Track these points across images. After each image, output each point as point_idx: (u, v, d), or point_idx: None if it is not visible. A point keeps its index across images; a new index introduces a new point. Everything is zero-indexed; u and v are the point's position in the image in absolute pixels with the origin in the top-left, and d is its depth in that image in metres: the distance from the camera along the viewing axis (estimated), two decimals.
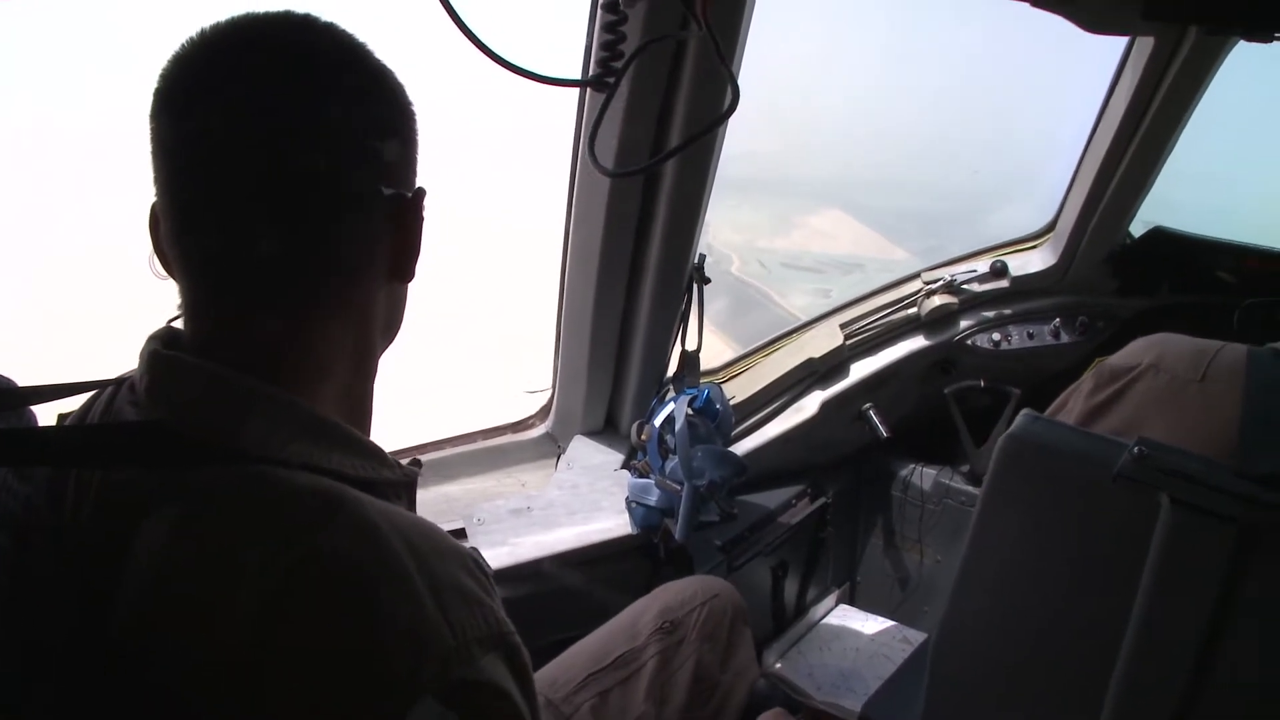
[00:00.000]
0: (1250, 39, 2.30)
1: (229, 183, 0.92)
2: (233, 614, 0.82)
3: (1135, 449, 1.50)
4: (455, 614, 0.86)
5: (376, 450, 1.04)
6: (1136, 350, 1.74)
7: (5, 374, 1.05)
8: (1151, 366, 1.67)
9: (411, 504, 1.15)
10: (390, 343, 1.14)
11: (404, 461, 1.11)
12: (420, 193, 1.06)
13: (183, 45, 0.94)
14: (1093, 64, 2.91)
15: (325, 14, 0.99)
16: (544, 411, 2.81)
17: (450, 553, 0.93)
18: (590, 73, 1.83)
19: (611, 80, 1.76)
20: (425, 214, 1.09)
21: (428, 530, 0.94)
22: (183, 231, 0.96)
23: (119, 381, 1.03)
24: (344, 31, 0.99)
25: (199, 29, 0.94)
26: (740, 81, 1.77)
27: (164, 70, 0.94)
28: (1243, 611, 1.47)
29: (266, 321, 0.97)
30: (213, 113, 0.91)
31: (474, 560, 0.96)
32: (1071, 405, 1.80)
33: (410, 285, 1.13)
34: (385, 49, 1.03)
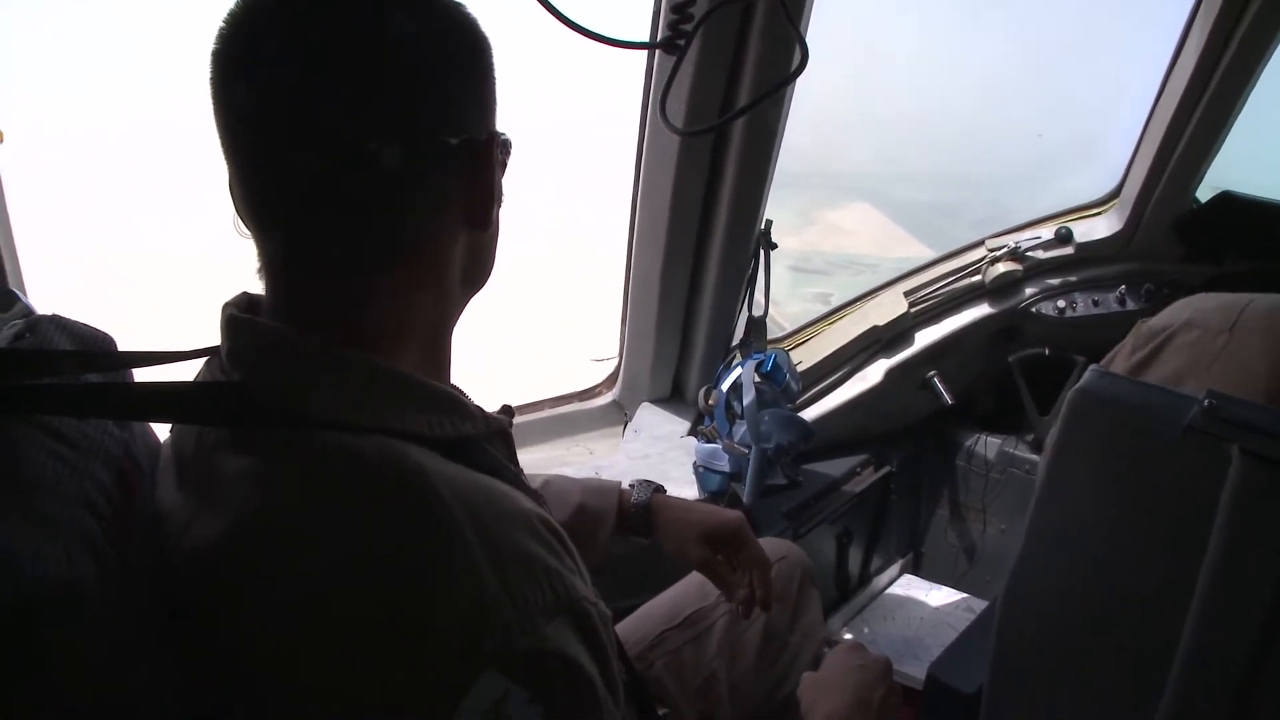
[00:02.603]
0: None
1: (287, 144, 0.91)
2: (286, 585, 0.84)
3: (1205, 401, 1.49)
4: (517, 583, 0.84)
5: (455, 401, 1.02)
6: (1173, 310, 1.73)
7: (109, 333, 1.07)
8: (1185, 323, 1.66)
9: (510, 453, 1.15)
10: (476, 292, 1.12)
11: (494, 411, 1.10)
12: (493, 136, 1.01)
13: (235, 6, 0.91)
14: (1158, 25, 2.88)
15: None
16: (610, 379, 2.84)
17: (516, 517, 0.91)
18: (660, 35, 1.84)
19: (682, 43, 1.77)
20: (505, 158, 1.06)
21: (493, 494, 0.92)
22: (248, 196, 0.96)
23: (217, 350, 1.03)
24: None
25: None
26: None
27: (219, 32, 0.91)
28: None
29: (339, 282, 0.97)
30: (266, 74, 0.89)
31: (543, 521, 0.94)
32: (1115, 368, 1.80)
33: (496, 232, 1.10)
34: None
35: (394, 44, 0.91)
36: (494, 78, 1.02)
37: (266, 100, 0.89)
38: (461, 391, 1.08)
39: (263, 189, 0.95)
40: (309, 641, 0.82)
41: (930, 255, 3.26)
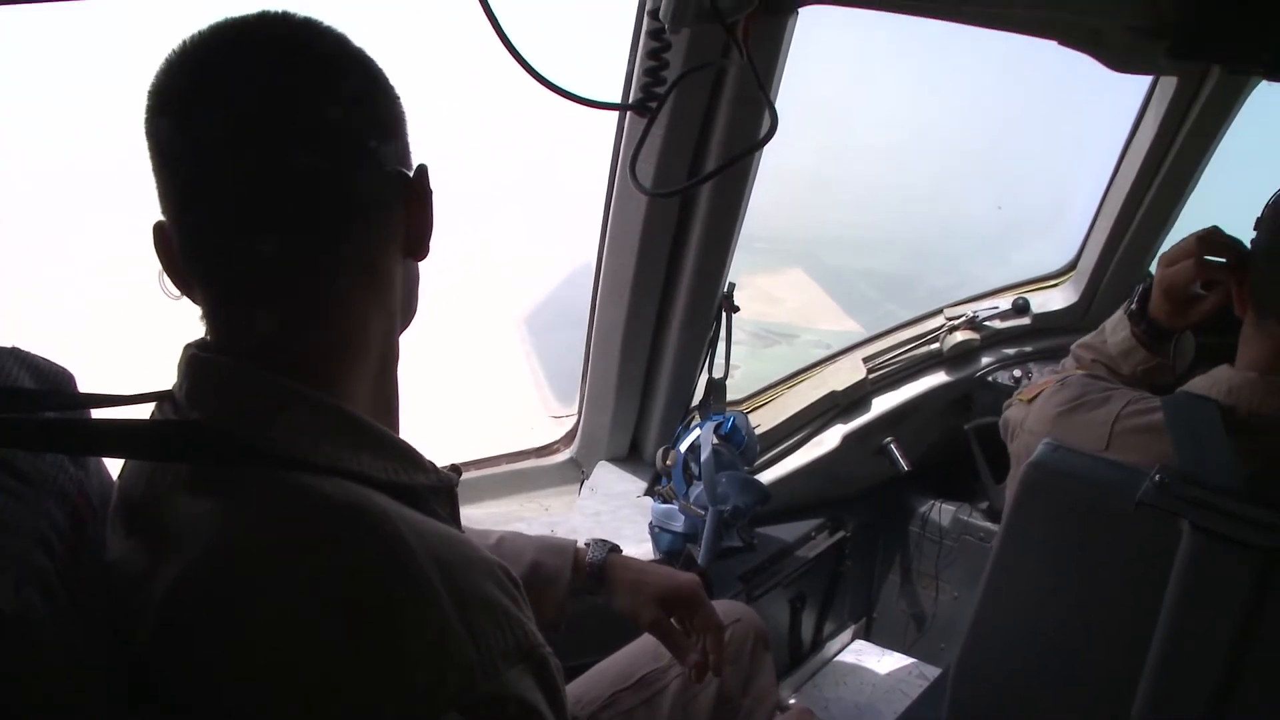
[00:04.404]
0: (1272, 79, 2.33)
1: (236, 187, 0.91)
2: (251, 623, 0.83)
3: (1157, 476, 1.51)
4: (480, 628, 0.86)
5: (409, 451, 1.03)
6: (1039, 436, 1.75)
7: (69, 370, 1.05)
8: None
9: (454, 511, 1.14)
10: (408, 324, 1.14)
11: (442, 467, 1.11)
12: (422, 169, 1.05)
13: (173, 51, 0.92)
14: (1116, 103, 2.94)
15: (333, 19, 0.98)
16: (569, 437, 2.83)
17: (478, 564, 0.92)
18: (632, 97, 1.86)
19: (654, 105, 1.79)
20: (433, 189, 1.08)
21: (455, 541, 0.93)
22: (195, 240, 0.96)
23: (169, 394, 1.02)
24: (334, 30, 0.98)
25: (188, 35, 0.92)
26: None
27: (155, 80, 0.93)
28: (1265, 639, 1.47)
29: (291, 320, 0.97)
30: (212, 117, 0.90)
31: (504, 571, 0.95)
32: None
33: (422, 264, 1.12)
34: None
35: (343, 83, 0.96)
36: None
37: (236, 144, 0.90)
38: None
39: (225, 209, 0.94)
40: (275, 676, 0.82)
41: (859, 332, 3.28)
